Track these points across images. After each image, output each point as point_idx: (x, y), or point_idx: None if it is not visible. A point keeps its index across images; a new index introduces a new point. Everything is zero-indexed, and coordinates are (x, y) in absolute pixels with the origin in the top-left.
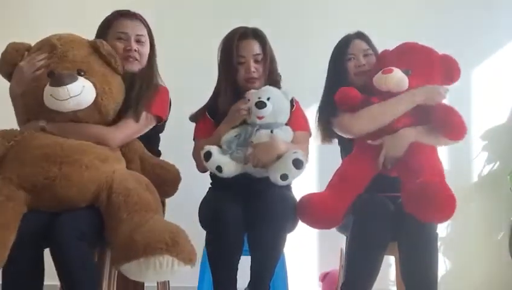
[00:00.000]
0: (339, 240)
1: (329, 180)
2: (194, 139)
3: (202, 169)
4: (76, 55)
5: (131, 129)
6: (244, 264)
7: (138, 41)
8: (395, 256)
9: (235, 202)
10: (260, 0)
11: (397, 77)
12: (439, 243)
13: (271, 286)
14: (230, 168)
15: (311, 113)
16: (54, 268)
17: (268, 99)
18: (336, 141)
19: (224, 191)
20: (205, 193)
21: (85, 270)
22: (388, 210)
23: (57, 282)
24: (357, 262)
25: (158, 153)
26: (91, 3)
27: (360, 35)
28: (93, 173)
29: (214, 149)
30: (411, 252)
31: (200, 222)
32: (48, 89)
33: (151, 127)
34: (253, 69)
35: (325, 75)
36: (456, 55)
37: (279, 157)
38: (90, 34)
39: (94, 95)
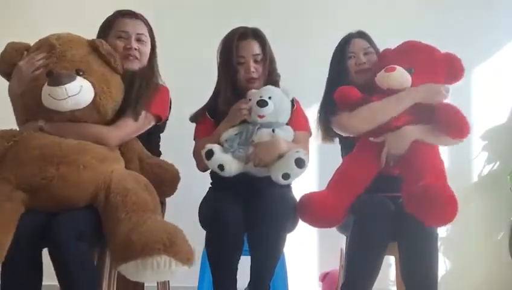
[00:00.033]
0: (339, 240)
1: (329, 179)
2: (194, 139)
3: (203, 168)
4: (74, 54)
5: (130, 128)
6: (244, 264)
7: (139, 40)
8: (395, 256)
9: (235, 201)
10: (260, 0)
11: (400, 75)
12: (439, 243)
13: (271, 286)
14: (231, 166)
15: (312, 113)
16: (52, 268)
17: (269, 98)
18: (336, 140)
19: (224, 191)
20: (205, 193)
21: (84, 270)
22: (388, 210)
23: (55, 282)
24: (357, 262)
25: (158, 154)
26: (91, 3)
27: (361, 34)
28: (91, 173)
29: (215, 148)
30: (411, 252)
31: (200, 221)
32: (46, 89)
33: (150, 126)
34: (252, 69)
35: (325, 75)
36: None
37: (280, 156)
38: (90, 34)
39: (92, 95)
